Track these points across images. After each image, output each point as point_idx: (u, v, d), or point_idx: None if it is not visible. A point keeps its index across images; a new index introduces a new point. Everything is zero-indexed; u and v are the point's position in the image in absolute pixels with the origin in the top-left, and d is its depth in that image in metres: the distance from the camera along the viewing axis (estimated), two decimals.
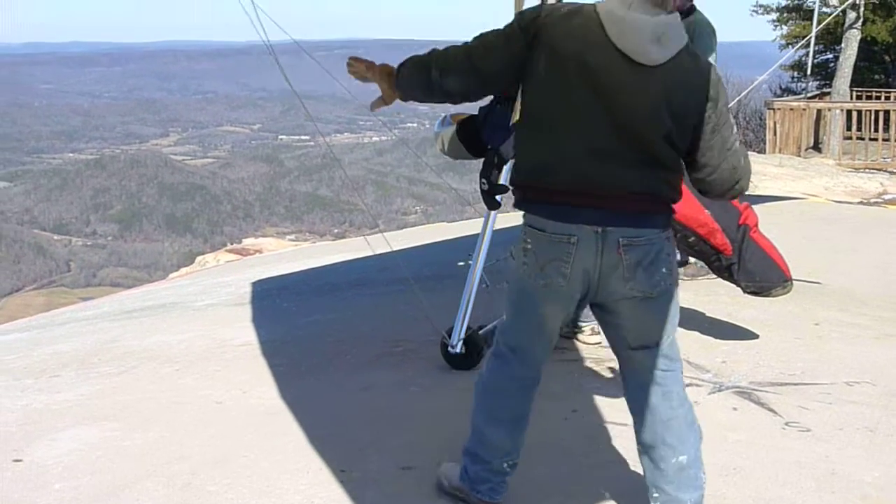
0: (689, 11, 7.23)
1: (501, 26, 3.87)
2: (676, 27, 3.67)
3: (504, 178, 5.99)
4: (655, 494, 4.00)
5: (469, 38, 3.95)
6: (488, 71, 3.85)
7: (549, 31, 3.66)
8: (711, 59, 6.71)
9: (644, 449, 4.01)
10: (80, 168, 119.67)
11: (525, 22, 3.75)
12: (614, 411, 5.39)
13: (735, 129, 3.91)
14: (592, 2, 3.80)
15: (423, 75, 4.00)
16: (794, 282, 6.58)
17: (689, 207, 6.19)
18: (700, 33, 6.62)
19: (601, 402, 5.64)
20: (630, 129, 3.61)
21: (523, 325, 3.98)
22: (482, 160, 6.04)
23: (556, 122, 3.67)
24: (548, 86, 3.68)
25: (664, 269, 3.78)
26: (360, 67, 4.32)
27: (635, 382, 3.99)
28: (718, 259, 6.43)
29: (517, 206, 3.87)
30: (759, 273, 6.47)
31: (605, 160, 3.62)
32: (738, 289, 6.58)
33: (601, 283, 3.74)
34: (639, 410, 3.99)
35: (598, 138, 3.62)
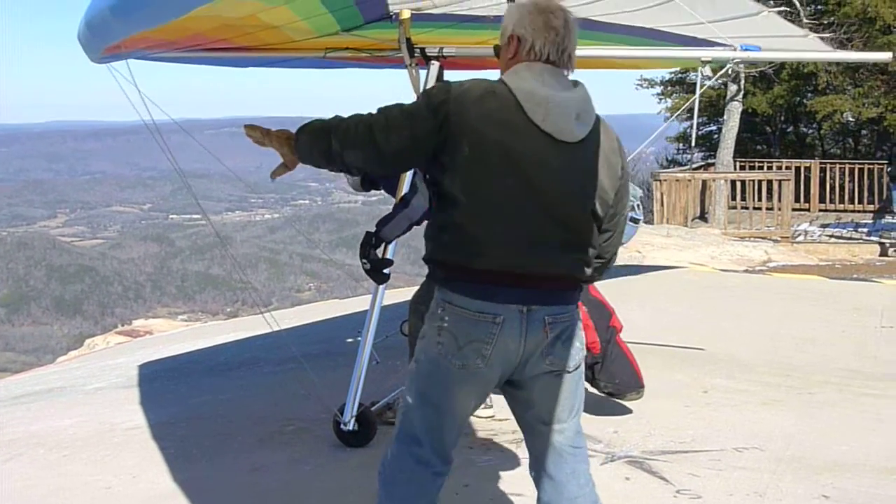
0: None
1: (407, 102, 3.72)
2: (590, 100, 3.68)
3: (391, 252, 6.02)
4: None
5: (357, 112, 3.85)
6: (389, 149, 3.64)
7: (466, 115, 3.55)
8: None
9: None
10: None
11: (434, 103, 3.60)
12: (506, 484, 5.40)
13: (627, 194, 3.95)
14: (489, 77, 3.77)
15: (323, 144, 3.78)
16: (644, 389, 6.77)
17: None
18: None
19: (493, 475, 5.64)
20: (559, 212, 3.58)
21: (432, 409, 3.73)
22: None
23: (483, 207, 3.56)
24: (473, 172, 3.55)
25: (578, 344, 3.75)
26: (256, 135, 4.09)
27: (544, 459, 3.87)
28: None
29: (437, 281, 3.71)
30: (620, 376, 6.68)
31: (533, 245, 3.57)
32: None
33: (522, 365, 3.65)
34: (546, 487, 3.89)
35: (527, 224, 3.56)
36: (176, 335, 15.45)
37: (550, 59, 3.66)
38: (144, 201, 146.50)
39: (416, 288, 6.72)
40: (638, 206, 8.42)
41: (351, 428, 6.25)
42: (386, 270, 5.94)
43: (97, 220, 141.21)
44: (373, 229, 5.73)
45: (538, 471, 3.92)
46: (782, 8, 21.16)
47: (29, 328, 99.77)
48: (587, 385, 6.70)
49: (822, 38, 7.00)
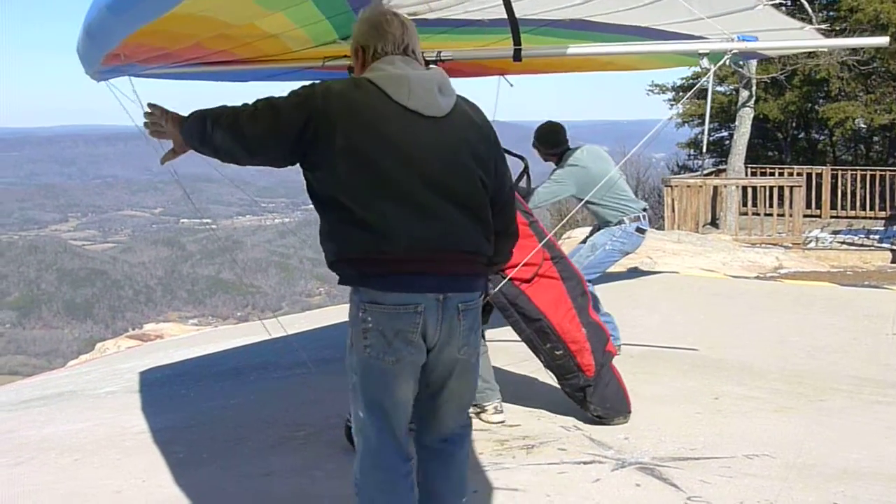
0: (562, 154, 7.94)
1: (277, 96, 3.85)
2: (447, 76, 3.88)
3: None
4: None
5: None
6: (250, 133, 3.78)
7: (332, 108, 3.70)
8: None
9: (431, 492, 4.05)
10: None
11: (301, 98, 3.76)
12: (516, 491, 5.39)
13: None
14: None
15: (200, 127, 3.96)
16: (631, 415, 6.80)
17: (569, 322, 6.41)
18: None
19: (503, 482, 5.62)
20: (445, 186, 3.71)
21: (381, 414, 3.82)
22: None
23: (374, 194, 3.66)
24: (353, 162, 3.67)
25: (481, 332, 3.97)
26: (157, 113, 4.26)
27: (442, 443, 4.04)
28: (576, 377, 6.57)
29: (350, 282, 3.80)
30: (612, 400, 6.73)
31: (432, 221, 3.68)
32: (639, 366, 6.67)
33: (437, 350, 3.78)
34: (441, 465, 4.06)
35: (420, 201, 3.67)
36: (186, 339, 15.45)
37: (396, 54, 3.87)
38: (155, 205, 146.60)
39: None
40: (643, 216, 8.44)
41: None
42: None
43: (108, 223, 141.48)
44: None
45: (435, 455, 4.07)
46: (795, 14, 21.10)
47: (40, 332, 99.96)
48: (578, 406, 6.75)
49: (819, 30, 7.02)
